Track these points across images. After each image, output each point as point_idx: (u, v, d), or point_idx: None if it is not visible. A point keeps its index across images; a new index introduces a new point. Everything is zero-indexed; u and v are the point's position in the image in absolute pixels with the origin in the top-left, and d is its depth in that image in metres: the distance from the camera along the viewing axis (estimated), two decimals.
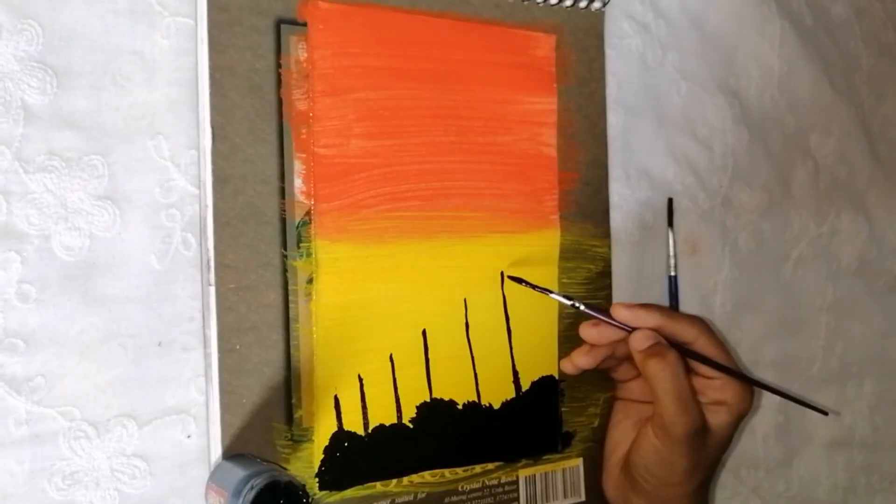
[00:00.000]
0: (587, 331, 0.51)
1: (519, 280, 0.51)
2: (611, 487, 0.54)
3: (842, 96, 0.73)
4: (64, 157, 0.41)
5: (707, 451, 0.51)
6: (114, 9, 0.42)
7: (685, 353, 0.51)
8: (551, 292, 0.52)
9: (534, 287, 0.51)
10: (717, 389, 0.51)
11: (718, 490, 0.64)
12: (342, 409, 0.47)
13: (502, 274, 0.52)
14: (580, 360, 0.51)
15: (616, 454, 0.54)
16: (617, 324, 0.50)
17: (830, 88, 0.72)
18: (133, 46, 0.43)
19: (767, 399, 0.68)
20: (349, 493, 0.47)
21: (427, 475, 0.50)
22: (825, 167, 0.72)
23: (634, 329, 0.50)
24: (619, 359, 0.53)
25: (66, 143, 0.41)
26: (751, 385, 0.52)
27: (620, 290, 0.58)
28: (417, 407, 0.49)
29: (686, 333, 0.51)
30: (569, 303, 0.51)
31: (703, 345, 0.51)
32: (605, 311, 0.51)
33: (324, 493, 0.46)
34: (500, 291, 0.52)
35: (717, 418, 0.51)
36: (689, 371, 0.52)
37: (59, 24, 0.41)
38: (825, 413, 0.56)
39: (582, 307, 0.51)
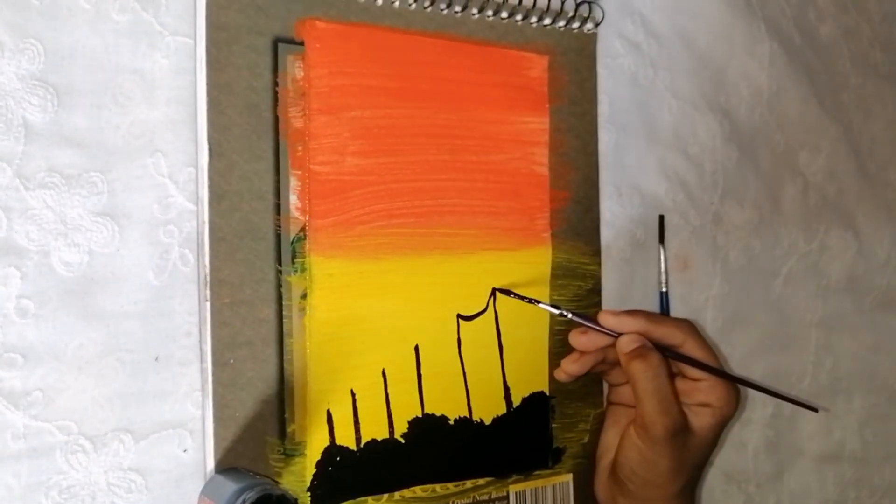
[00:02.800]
0: (576, 338, 0.52)
1: (507, 292, 0.52)
2: (600, 490, 0.55)
3: (830, 115, 0.74)
4: (64, 173, 0.42)
5: (690, 453, 0.52)
6: (115, 28, 0.43)
7: (672, 355, 0.52)
8: (539, 302, 0.53)
9: (521, 298, 0.52)
10: (702, 392, 0.52)
11: None
12: (335, 424, 0.47)
13: (493, 291, 0.53)
14: (570, 368, 0.53)
15: (606, 457, 0.55)
16: (604, 330, 0.51)
17: (819, 107, 0.73)
18: (133, 65, 0.44)
19: (758, 413, 0.69)
20: None
21: (418, 490, 0.50)
22: (814, 185, 0.73)
23: (621, 334, 0.51)
24: (611, 363, 0.53)
25: (66, 160, 0.42)
26: (736, 386, 0.53)
27: (611, 306, 0.59)
28: (409, 422, 0.50)
29: (673, 337, 0.52)
30: (556, 312, 0.52)
31: (690, 347, 0.52)
32: (593, 318, 0.52)
33: None
34: (493, 308, 0.53)
35: (702, 420, 0.52)
36: (676, 374, 0.53)
37: (60, 43, 0.42)
38: (815, 410, 0.56)
39: (570, 315, 0.52)
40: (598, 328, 0.52)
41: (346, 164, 0.48)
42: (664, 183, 0.63)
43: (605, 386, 0.58)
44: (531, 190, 0.54)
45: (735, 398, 0.53)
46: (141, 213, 0.44)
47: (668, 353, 0.52)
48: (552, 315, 0.55)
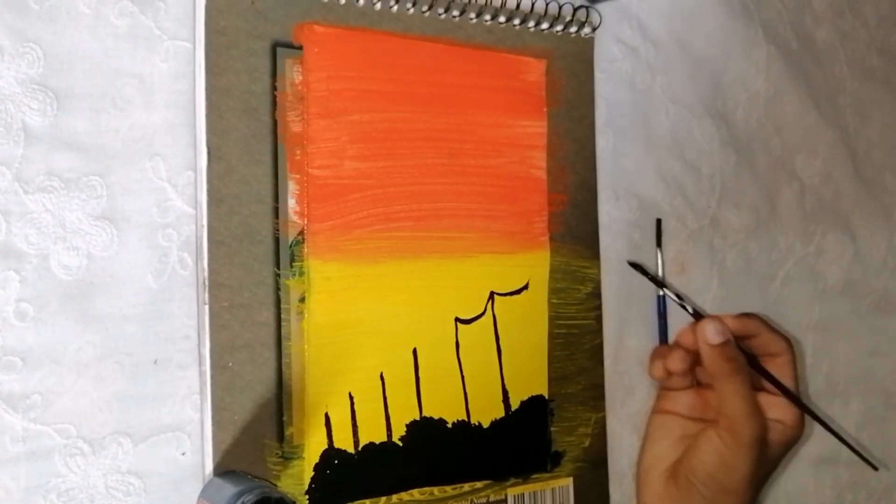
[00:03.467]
0: (687, 337, 0.51)
1: (640, 269, 0.53)
2: (654, 500, 0.53)
3: (827, 119, 0.74)
4: (63, 177, 0.42)
5: (765, 464, 0.51)
6: (114, 33, 0.43)
7: (755, 367, 0.51)
8: (664, 286, 0.53)
9: (654, 279, 0.53)
10: (780, 408, 0.51)
11: None
12: (333, 427, 0.47)
13: (492, 294, 0.53)
14: (674, 365, 0.51)
15: (657, 468, 0.53)
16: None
17: (816, 111, 0.73)
18: (132, 69, 0.44)
19: None
20: None
21: (416, 493, 0.50)
22: (811, 188, 0.73)
23: (702, 317, 0.50)
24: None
25: (65, 163, 0.42)
26: (807, 415, 0.52)
27: (611, 309, 0.59)
28: (407, 425, 0.50)
29: (775, 347, 0.51)
30: (679, 303, 0.52)
31: (783, 362, 0.52)
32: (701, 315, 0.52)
33: None
34: (491, 312, 0.53)
35: (774, 435, 0.51)
36: (757, 388, 0.52)
37: (60, 47, 0.42)
38: (875, 468, 0.56)
39: (690, 309, 0.52)
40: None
41: (344, 168, 0.48)
42: (662, 187, 0.63)
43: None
44: (529, 194, 0.55)
45: (803, 422, 0.52)
46: (140, 217, 0.44)
47: (752, 364, 0.51)
48: (551, 318, 0.55)
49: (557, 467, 0.55)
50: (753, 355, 0.52)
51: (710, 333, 0.49)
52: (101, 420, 0.43)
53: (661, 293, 0.62)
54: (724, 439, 0.50)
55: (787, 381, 0.52)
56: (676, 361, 0.51)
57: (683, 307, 0.52)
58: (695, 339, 0.50)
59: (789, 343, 0.52)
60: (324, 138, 0.47)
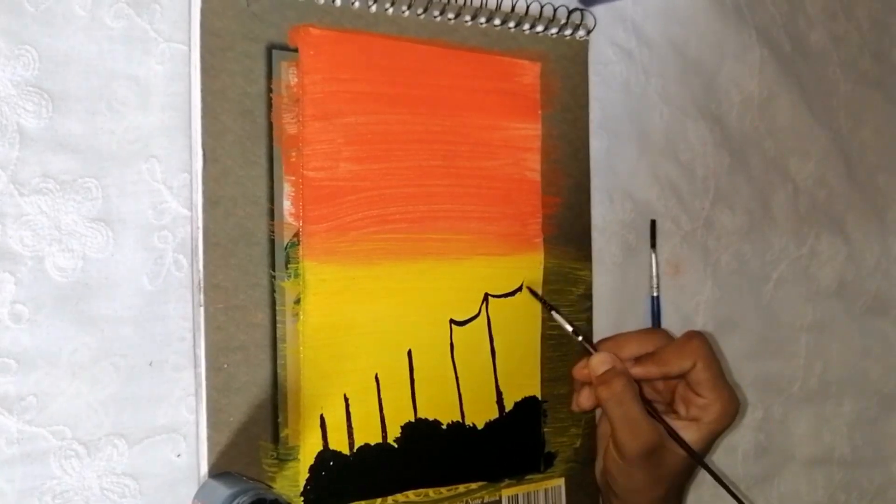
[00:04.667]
0: (579, 372, 0.54)
1: (536, 295, 0.54)
2: (599, 476, 0.56)
3: (820, 121, 0.75)
4: (58, 179, 0.42)
5: (667, 468, 0.52)
6: (109, 35, 0.43)
7: (657, 419, 0.52)
8: (558, 312, 0.54)
9: (548, 306, 0.54)
10: (698, 407, 0.53)
11: None
12: (328, 429, 0.48)
13: (486, 295, 0.53)
14: (584, 403, 0.54)
15: (602, 445, 0.56)
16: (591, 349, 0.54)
17: (809, 114, 0.74)
18: (128, 71, 0.44)
19: (748, 417, 0.69)
20: None
21: (411, 494, 0.51)
22: (805, 190, 0.73)
23: (596, 352, 0.53)
24: None
25: (60, 165, 0.42)
26: (737, 402, 0.53)
27: (603, 310, 0.59)
28: (402, 427, 0.50)
29: (681, 366, 0.53)
30: (570, 329, 0.54)
31: (699, 369, 0.52)
32: (594, 345, 0.54)
33: None
34: (485, 313, 0.53)
35: (687, 435, 0.52)
36: (682, 379, 0.53)
37: (55, 49, 0.42)
38: None
39: (580, 339, 0.54)
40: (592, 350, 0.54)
41: (339, 170, 0.48)
42: (656, 188, 0.63)
43: None
44: (523, 195, 0.55)
45: (731, 414, 0.53)
46: (135, 219, 0.44)
47: (653, 415, 0.52)
48: (545, 319, 0.55)
49: (550, 468, 0.56)
50: (653, 406, 0.53)
51: (595, 365, 0.52)
52: (96, 422, 0.43)
53: (656, 294, 0.62)
54: (614, 449, 0.52)
55: (710, 385, 0.52)
56: (585, 401, 0.54)
57: (575, 335, 0.54)
58: (588, 374, 0.53)
59: (700, 342, 0.53)
60: (319, 140, 0.48)
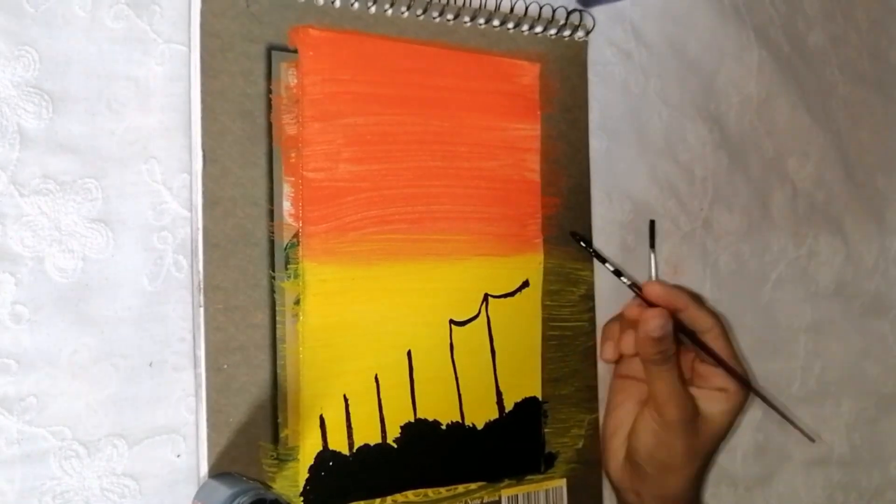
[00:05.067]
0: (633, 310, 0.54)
1: (580, 239, 0.55)
2: (616, 471, 0.56)
3: (819, 122, 0.75)
4: (59, 180, 0.42)
5: (703, 437, 0.53)
6: (110, 36, 0.43)
7: (695, 342, 0.54)
8: (606, 261, 0.55)
9: (593, 253, 0.55)
10: (719, 377, 0.54)
11: None
12: (327, 429, 0.48)
13: (486, 296, 0.53)
14: (627, 348, 0.55)
15: (618, 436, 0.56)
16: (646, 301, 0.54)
17: (807, 114, 0.74)
18: (128, 72, 0.44)
19: (748, 417, 0.69)
20: None
21: (411, 495, 0.51)
22: (803, 191, 0.73)
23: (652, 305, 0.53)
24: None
25: (60, 166, 0.42)
26: (746, 382, 0.55)
27: (604, 311, 0.59)
28: (402, 427, 0.50)
29: (704, 322, 0.54)
30: (620, 278, 0.55)
31: (713, 336, 0.54)
32: (639, 287, 0.55)
33: None
34: (485, 314, 0.53)
35: (715, 406, 0.54)
36: (695, 358, 0.55)
37: (55, 50, 0.42)
38: (812, 440, 0.59)
39: (625, 281, 0.55)
40: (642, 297, 0.54)
41: (339, 171, 0.48)
42: (655, 189, 0.64)
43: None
44: (523, 196, 0.55)
45: (748, 385, 0.55)
46: (135, 220, 0.44)
47: (692, 339, 0.54)
48: (545, 320, 0.55)
49: (551, 468, 0.56)
50: (692, 331, 0.54)
51: (653, 328, 0.51)
52: (96, 422, 0.43)
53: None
54: (655, 420, 0.53)
55: (728, 355, 0.54)
56: (629, 345, 0.54)
57: (621, 280, 0.55)
58: (640, 314, 0.53)
59: (717, 318, 0.55)
60: (319, 141, 0.48)
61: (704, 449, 0.54)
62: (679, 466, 0.53)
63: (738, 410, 0.54)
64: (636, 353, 0.53)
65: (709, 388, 0.54)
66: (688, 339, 0.55)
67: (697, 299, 0.55)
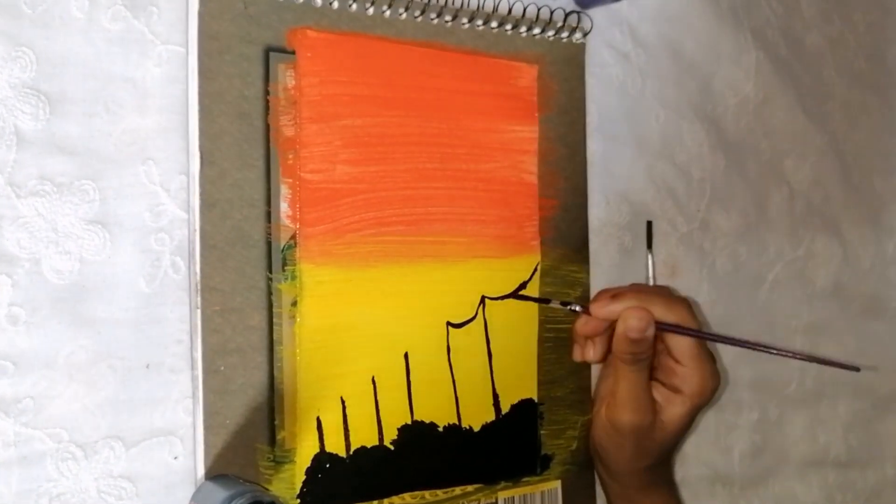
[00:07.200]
0: (602, 310, 0.52)
1: (518, 296, 0.54)
2: (595, 437, 0.56)
3: (816, 124, 0.75)
4: (55, 181, 0.42)
5: (655, 442, 0.53)
6: (107, 37, 0.43)
7: (664, 326, 0.52)
8: (549, 301, 0.54)
9: (527, 298, 0.54)
10: (679, 377, 0.53)
11: None
12: (324, 431, 0.48)
13: (483, 298, 0.53)
14: (589, 356, 0.54)
15: (601, 405, 0.56)
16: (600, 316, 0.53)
17: (804, 116, 0.74)
18: (125, 74, 0.44)
19: (744, 418, 0.69)
20: None
21: (408, 497, 0.51)
22: (800, 192, 0.74)
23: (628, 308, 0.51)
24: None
25: (57, 168, 0.42)
26: (717, 377, 0.53)
27: None
28: (399, 429, 0.50)
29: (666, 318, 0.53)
30: (567, 308, 0.54)
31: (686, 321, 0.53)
32: (586, 308, 0.53)
33: None
34: (482, 316, 0.53)
35: (672, 409, 0.53)
36: (661, 351, 0.54)
37: (52, 51, 0.42)
38: (856, 369, 0.57)
39: (577, 308, 0.53)
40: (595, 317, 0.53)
41: (336, 173, 0.48)
42: (652, 190, 0.64)
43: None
44: (520, 198, 0.55)
45: (710, 388, 0.53)
46: (132, 221, 0.44)
47: (661, 326, 0.51)
48: (542, 322, 0.55)
49: (546, 470, 0.56)
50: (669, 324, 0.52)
51: (631, 328, 0.50)
52: (93, 424, 0.43)
53: None
54: (608, 417, 0.53)
55: (691, 353, 0.52)
56: (593, 354, 0.54)
57: (572, 310, 0.54)
58: (614, 312, 0.51)
59: (686, 306, 0.53)
60: (316, 143, 0.48)
61: (657, 450, 0.54)
62: (628, 460, 0.54)
63: (694, 413, 0.53)
64: (600, 360, 0.54)
65: (668, 386, 0.53)
66: (661, 326, 0.52)
67: (645, 294, 0.53)
